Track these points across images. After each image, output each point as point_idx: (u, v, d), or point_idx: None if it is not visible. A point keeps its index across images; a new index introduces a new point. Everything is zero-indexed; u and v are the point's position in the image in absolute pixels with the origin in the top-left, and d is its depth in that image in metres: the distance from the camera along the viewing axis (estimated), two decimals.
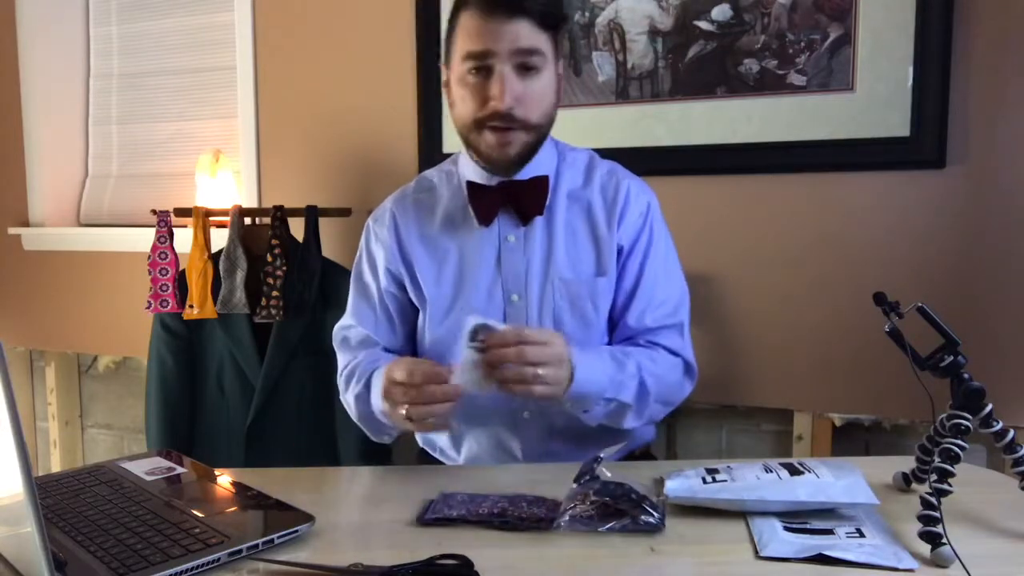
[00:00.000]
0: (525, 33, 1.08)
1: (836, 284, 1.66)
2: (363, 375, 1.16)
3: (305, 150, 2.09)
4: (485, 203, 1.17)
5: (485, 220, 1.17)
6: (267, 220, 1.85)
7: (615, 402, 1.09)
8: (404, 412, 1.00)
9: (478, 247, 1.19)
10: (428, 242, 1.22)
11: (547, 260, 1.17)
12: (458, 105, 1.15)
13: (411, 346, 1.27)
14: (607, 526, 0.85)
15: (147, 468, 1.04)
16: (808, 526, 0.84)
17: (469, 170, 1.21)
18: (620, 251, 1.19)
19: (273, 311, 1.78)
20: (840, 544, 0.80)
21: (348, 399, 1.20)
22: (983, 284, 1.57)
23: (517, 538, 0.85)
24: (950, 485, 0.81)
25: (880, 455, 1.72)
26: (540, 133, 1.15)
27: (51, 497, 0.94)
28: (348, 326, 1.27)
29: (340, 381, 1.24)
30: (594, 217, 1.19)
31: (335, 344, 1.28)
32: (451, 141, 1.91)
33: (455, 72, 1.14)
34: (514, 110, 1.09)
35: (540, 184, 1.17)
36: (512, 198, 1.17)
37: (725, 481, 0.91)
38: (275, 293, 1.78)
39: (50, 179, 2.42)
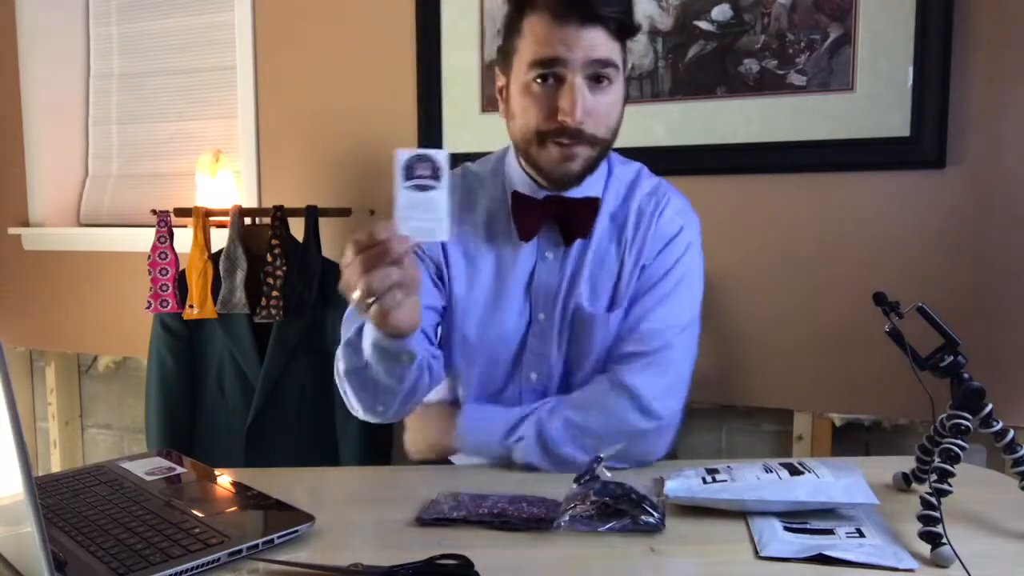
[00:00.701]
0: (601, 42, 1.01)
1: (836, 284, 1.66)
2: (356, 326, 1.03)
3: (305, 150, 2.09)
4: (529, 218, 1.11)
5: (527, 236, 1.11)
6: (267, 220, 1.85)
7: (514, 443, 1.05)
8: (363, 287, 0.83)
9: (515, 261, 1.13)
10: (464, 245, 1.15)
11: (573, 283, 1.12)
12: (519, 116, 1.07)
13: (434, 348, 1.15)
14: (607, 526, 0.85)
15: (147, 468, 1.03)
16: (808, 526, 0.84)
17: (517, 178, 1.14)
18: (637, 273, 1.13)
19: (273, 311, 1.78)
20: (840, 544, 0.80)
21: (338, 356, 1.06)
22: (983, 284, 1.57)
23: (517, 538, 0.85)
24: (950, 485, 0.81)
25: (880, 455, 1.72)
26: (604, 148, 1.09)
27: (51, 497, 0.93)
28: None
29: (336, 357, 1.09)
30: (624, 240, 1.13)
31: (343, 326, 1.10)
32: (451, 141, 1.91)
33: (518, 80, 1.06)
34: (584, 125, 1.03)
35: (589, 205, 1.11)
36: (558, 215, 1.11)
37: (725, 481, 0.91)
38: (275, 293, 1.78)
39: (50, 179, 2.42)
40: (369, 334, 0.97)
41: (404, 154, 0.85)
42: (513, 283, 1.13)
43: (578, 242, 1.13)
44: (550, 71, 1.02)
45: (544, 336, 1.13)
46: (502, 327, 1.13)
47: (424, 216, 0.85)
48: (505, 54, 1.09)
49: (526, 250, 1.13)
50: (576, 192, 1.11)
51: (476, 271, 1.14)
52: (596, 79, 1.03)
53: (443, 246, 1.14)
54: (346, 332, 1.09)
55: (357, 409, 1.09)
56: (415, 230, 0.85)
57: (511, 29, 1.07)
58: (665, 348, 1.09)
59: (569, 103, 1.01)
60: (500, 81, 1.12)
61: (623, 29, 1.04)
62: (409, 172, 0.86)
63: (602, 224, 1.14)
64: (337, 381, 1.11)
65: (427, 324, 1.11)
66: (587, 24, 1.00)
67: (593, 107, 1.03)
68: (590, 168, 1.09)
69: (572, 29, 1.00)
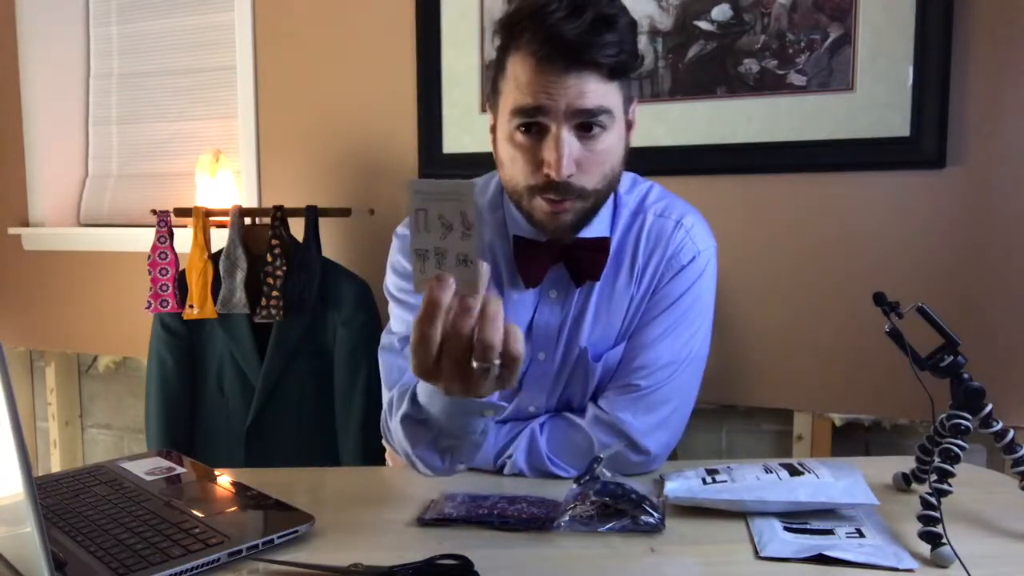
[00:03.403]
0: (591, 89, 0.90)
1: (836, 284, 1.66)
2: (406, 388, 0.94)
3: (305, 150, 2.09)
4: (534, 264, 1.02)
5: (532, 282, 1.03)
6: (267, 220, 1.85)
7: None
8: (468, 361, 0.69)
9: (518, 304, 1.06)
10: None
11: (577, 324, 1.05)
12: (507, 166, 0.98)
13: None
14: (607, 526, 0.85)
15: (147, 468, 1.03)
16: (808, 526, 0.84)
17: (519, 219, 1.04)
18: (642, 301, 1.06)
19: (273, 311, 1.78)
20: (840, 544, 0.80)
21: (398, 434, 0.95)
22: (983, 284, 1.57)
23: (517, 538, 0.85)
24: (950, 485, 0.81)
25: (880, 455, 1.72)
26: (600, 198, 0.99)
27: (51, 497, 0.94)
28: (393, 336, 1.06)
29: (384, 416, 1.00)
30: (635, 271, 1.05)
31: (385, 392, 1.03)
32: (451, 141, 1.91)
33: (502, 126, 0.97)
34: (572, 178, 0.92)
35: (599, 247, 1.02)
36: (566, 257, 1.02)
37: (725, 482, 0.91)
38: (275, 293, 1.78)
39: (50, 179, 2.42)
40: (436, 404, 0.86)
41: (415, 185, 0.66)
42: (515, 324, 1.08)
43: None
44: (532, 120, 0.92)
45: (542, 376, 1.07)
46: None
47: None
48: (492, 93, 1.00)
49: (530, 291, 1.05)
50: (584, 232, 1.02)
51: None
52: (587, 127, 0.92)
53: None
54: (388, 399, 0.99)
55: (431, 473, 0.96)
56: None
57: (498, 67, 0.97)
58: (665, 384, 1.03)
59: (553, 156, 0.91)
60: (491, 119, 1.03)
61: (620, 69, 0.92)
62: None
63: (612, 258, 1.06)
64: (403, 457, 0.99)
65: None
66: (573, 69, 0.89)
67: (582, 158, 0.93)
68: (585, 219, 0.99)
69: (555, 75, 0.89)
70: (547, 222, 0.98)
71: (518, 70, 0.92)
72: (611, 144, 0.95)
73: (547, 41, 0.88)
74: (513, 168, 0.97)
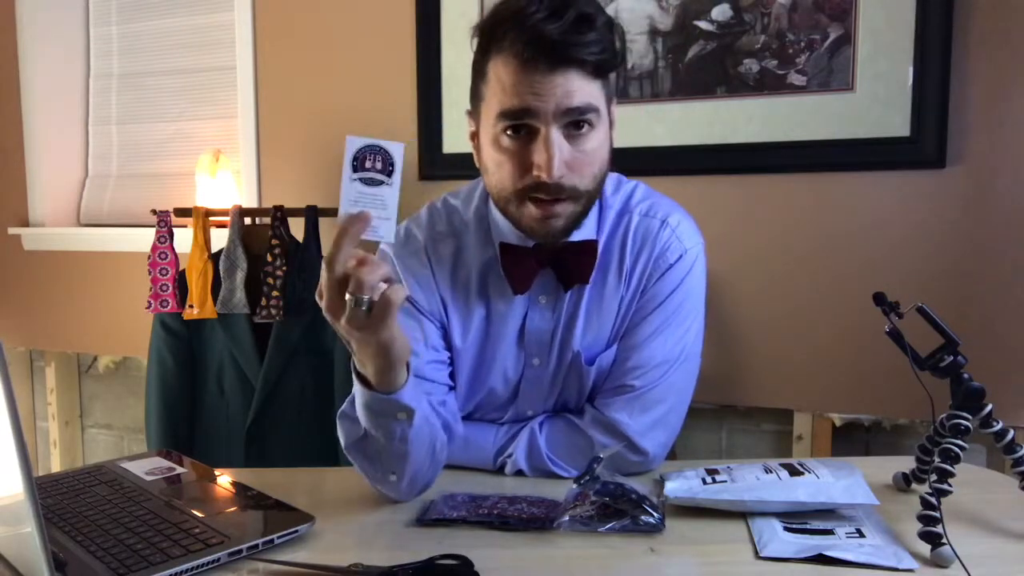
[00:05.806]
0: (577, 87, 0.89)
1: (836, 284, 1.66)
2: (350, 397, 0.95)
3: (305, 150, 2.09)
4: (522, 271, 1.01)
5: (521, 288, 1.02)
6: (267, 220, 1.85)
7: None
8: (351, 302, 0.78)
9: (507, 309, 1.05)
10: (457, 297, 1.06)
11: (569, 327, 1.05)
12: (493, 171, 0.96)
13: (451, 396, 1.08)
14: (607, 526, 0.85)
15: (147, 468, 1.03)
16: (808, 526, 0.84)
17: (503, 226, 1.02)
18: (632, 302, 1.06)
19: (273, 311, 1.78)
20: (840, 544, 0.80)
21: (339, 431, 0.97)
22: (983, 284, 1.57)
23: (517, 538, 0.85)
24: (950, 485, 0.81)
25: (880, 455, 1.72)
26: (591, 199, 0.97)
27: (51, 497, 0.94)
28: None
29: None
30: (623, 271, 1.04)
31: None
32: (451, 141, 1.91)
33: (487, 131, 0.95)
34: (563, 179, 0.91)
35: (586, 249, 1.01)
36: (552, 262, 1.01)
37: (725, 482, 0.91)
38: (275, 293, 1.78)
39: (50, 179, 2.42)
40: (360, 397, 0.89)
41: (354, 143, 0.78)
42: (506, 331, 1.06)
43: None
44: (520, 123, 0.91)
45: (538, 381, 1.07)
46: (495, 376, 1.07)
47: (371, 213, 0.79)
48: (473, 99, 0.98)
49: (519, 297, 1.04)
50: (571, 236, 1.00)
51: (469, 320, 1.06)
52: (575, 126, 0.91)
53: (441, 297, 1.06)
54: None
55: (372, 484, 0.98)
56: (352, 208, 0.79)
57: (477, 73, 0.96)
58: (659, 382, 1.03)
59: (545, 158, 0.90)
60: (471, 126, 1.01)
61: (603, 67, 0.92)
62: (359, 164, 0.78)
63: (599, 260, 1.04)
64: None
65: (445, 376, 1.05)
66: (558, 68, 0.88)
67: (573, 159, 0.92)
68: (575, 223, 0.98)
69: (541, 75, 0.88)
70: (537, 227, 0.96)
71: (502, 73, 0.91)
72: (599, 143, 0.95)
73: (531, 42, 0.88)
74: (500, 173, 0.95)
